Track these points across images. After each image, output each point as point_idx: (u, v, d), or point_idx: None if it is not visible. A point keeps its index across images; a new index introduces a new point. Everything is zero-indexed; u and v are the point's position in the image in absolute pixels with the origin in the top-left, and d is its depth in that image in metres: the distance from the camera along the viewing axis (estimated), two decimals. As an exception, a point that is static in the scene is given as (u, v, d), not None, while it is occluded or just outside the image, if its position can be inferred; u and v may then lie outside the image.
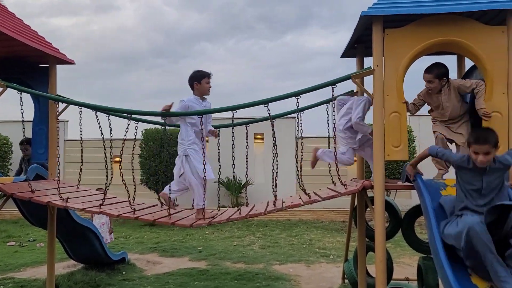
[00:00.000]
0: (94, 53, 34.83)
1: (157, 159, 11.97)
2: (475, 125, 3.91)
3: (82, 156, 4.51)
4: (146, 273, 7.19)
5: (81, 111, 4.44)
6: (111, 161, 4.93)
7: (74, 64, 5.31)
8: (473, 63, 3.99)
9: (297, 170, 4.27)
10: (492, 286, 2.78)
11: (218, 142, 4.50)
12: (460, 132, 3.98)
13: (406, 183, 4.01)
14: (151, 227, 11.65)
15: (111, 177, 4.48)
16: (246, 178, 4.51)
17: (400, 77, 3.78)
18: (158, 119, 4.74)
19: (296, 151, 4.16)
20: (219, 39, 37.26)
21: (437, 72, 3.91)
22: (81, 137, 4.54)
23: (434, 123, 4.21)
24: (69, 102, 4.71)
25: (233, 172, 4.27)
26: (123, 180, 4.18)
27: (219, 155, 4.33)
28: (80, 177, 4.64)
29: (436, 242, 3.04)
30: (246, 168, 4.40)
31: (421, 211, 3.61)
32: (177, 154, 4.51)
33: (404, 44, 3.76)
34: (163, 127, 4.52)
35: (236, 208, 4.50)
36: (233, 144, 4.03)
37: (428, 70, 3.97)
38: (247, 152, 4.41)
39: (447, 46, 3.87)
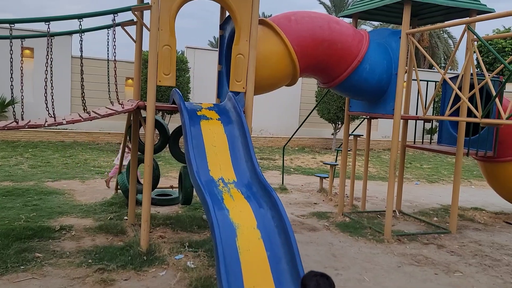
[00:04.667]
0: None
1: None
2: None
3: None
4: None
5: None
6: None
7: None
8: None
9: (81, 90, 4.58)
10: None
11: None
12: None
13: (172, 105, 4.93)
14: None
15: None
16: (12, 94, 4.43)
17: (172, 15, 4.50)
18: None
19: (81, 71, 4.48)
20: None
21: None
22: None
23: None
24: None
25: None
26: None
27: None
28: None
29: (189, 151, 4.05)
30: (12, 84, 4.29)
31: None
32: None
33: (177, -12, 4.47)
34: None
35: (12, 120, 4.55)
36: None
37: None
38: (11, 67, 4.24)
39: (211, -4, 4.78)
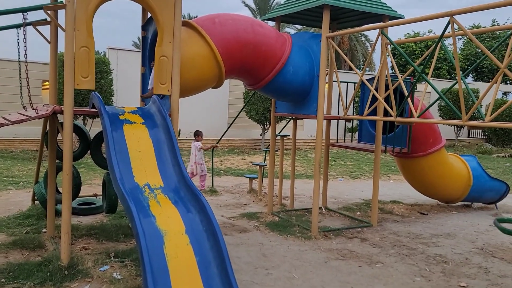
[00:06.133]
0: None
1: None
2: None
3: None
4: None
5: None
6: None
7: None
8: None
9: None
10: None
11: None
12: None
13: (92, 109, 4.69)
14: None
15: None
16: None
17: (90, 15, 4.27)
18: None
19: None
20: None
21: None
22: None
23: None
24: None
25: None
26: None
27: None
28: None
29: (111, 157, 3.87)
30: None
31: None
32: None
33: (92, -13, 4.25)
34: None
35: None
36: None
37: None
38: None
39: (131, -4, 4.62)
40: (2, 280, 3.89)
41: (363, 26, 6.59)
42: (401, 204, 7.97)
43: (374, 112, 6.07)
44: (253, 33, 5.47)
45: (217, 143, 9.29)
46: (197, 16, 33.00)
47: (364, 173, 11.90)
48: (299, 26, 27.92)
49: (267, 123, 15.85)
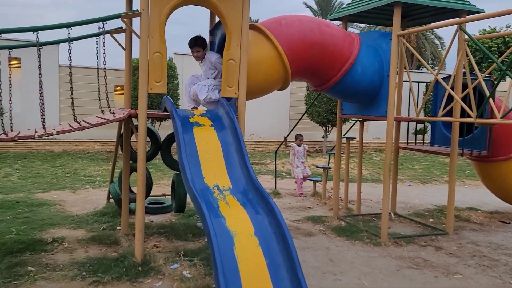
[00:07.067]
0: None
1: None
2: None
3: None
4: None
5: None
6: None
7: None
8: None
9: (71, 99, 4.49)
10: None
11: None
12: None
13: (164, 112, 4.86)
14: None
15: None
16: (1, 105, 4.32)
17: (162, 22, 4.44)
18: None
19: (70, 80, 4.39)
20: None
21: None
22: None
23: None
24: None
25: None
26: None
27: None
28: None
29: (183, 159, 3.98)
30: (0, 95, 4.19)
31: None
32: None
33: (166, -6, 4.41)
34: None
35: (1, 132, 4.44)
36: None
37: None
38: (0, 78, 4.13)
39: (201, 2, 4.71)
40: (84, 273, 4.14)
41: (438, 22, 6.23)
42: (479, 211, 7.43)
43: (448, 113, 5.72)
44: (320, 33, 5.38)
45: (284, 142, 9.21)
46: (258, 19, 33.37)
47: (435, 177, 11.28)
48: (362, 25, 27.21)
49: (330, 125, 15.57)
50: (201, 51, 5.07)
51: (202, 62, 5.18)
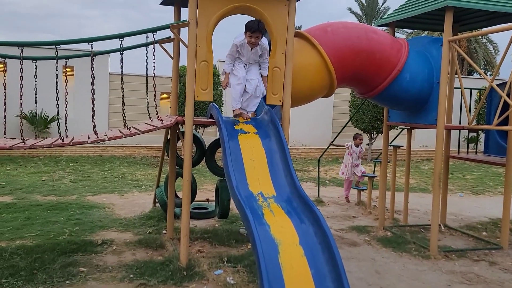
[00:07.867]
0: None
1: None
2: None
3: None
4: None
5: None
6: None
7: None
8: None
9: (122, 106, 4.67)
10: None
11: (21, 76, 4.18)
12: None
13: (210, 119, 4.94)
14: None
15: None
16: (57, 112, 4.58)
17: (209, 31, 4.54)
18: None
19: (121, 88, 4.57)
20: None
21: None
22: None
23: None
24: None
25: (35, 105, 4.42)
26: None
27: (21, 89, 4.20)
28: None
29: (228, 166, 4.03)
30: (57, 102, 4.49)
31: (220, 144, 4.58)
32: None
33: (213, 4, 4.49)
34: None
35: (57, 137, 4.68)
36: (35, 75, 4.17)
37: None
38: (57, 86, 4.45)
39: (247, 11, 4.77)
40: (131, 275, 4.26)
41: (493, 27, 5.95)
42: (536, 225, 6.99)
43: (504, 122, 5.43)
44: (366, 40, 5.30)
45: (330, 145, 9.09)
46: (301, 26, 33.30)
47: (488, 188, 10.73)
48: (408, 30, 26.50)
49: (374, 132, 15.22)
50: (260, 37, 4.48)
51: (252, 50, 4.57)
